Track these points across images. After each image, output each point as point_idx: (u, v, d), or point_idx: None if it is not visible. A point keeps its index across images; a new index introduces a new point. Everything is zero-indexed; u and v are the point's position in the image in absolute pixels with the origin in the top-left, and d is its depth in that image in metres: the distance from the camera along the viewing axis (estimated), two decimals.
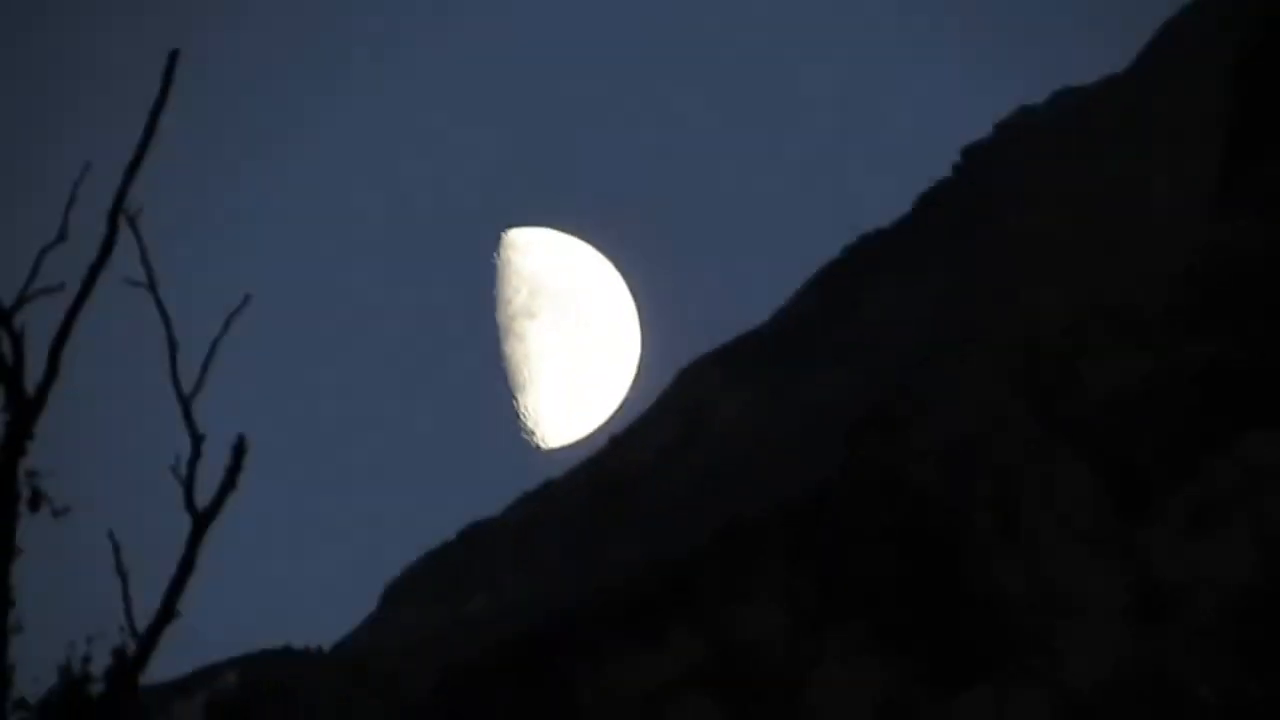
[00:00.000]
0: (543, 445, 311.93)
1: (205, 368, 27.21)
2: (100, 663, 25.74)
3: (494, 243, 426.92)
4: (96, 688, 25.43)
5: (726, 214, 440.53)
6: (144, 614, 26.44)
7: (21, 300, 27.00)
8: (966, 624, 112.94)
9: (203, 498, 27.18)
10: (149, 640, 26.24)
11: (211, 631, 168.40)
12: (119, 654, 25.99)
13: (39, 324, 27.23)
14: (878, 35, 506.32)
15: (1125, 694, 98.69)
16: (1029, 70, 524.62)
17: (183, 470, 27.01)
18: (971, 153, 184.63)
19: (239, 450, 27.32)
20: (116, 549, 26.47)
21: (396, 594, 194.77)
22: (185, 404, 27.27)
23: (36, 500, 26.28)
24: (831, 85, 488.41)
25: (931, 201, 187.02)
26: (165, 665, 26.94)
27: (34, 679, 25.57)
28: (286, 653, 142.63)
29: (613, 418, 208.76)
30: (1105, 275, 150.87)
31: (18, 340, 26.79)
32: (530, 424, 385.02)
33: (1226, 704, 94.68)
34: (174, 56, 29.67)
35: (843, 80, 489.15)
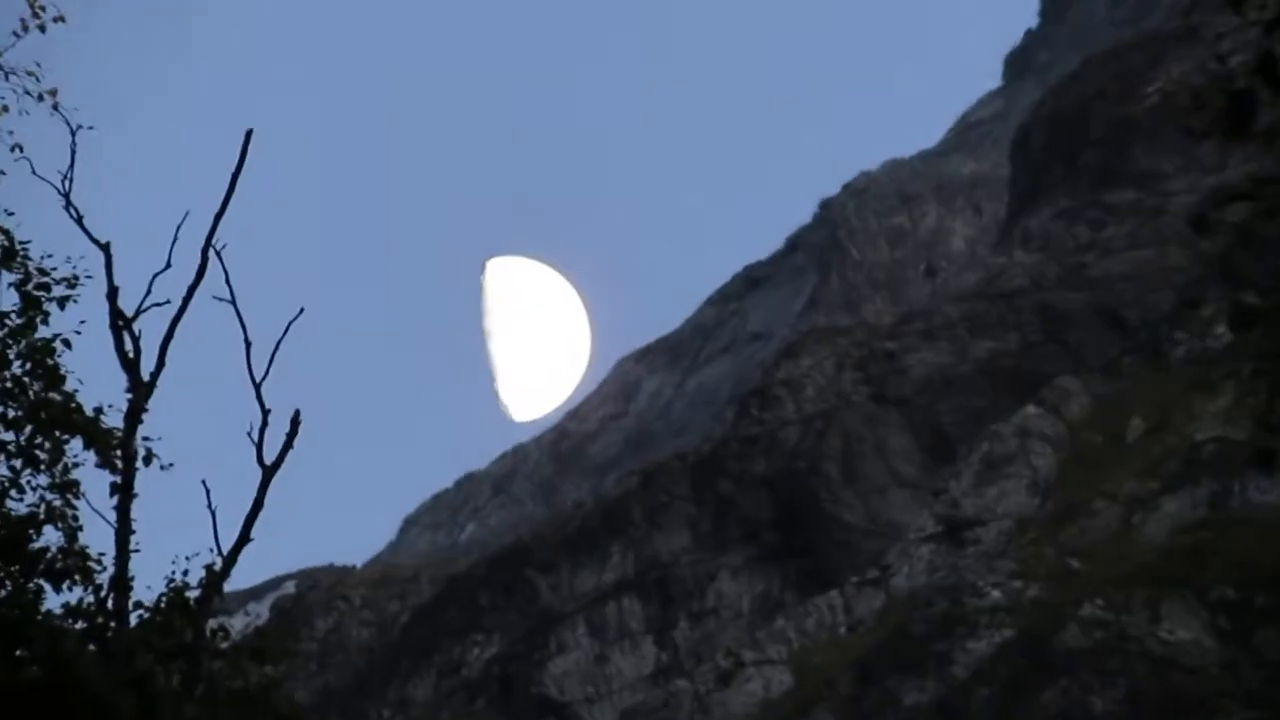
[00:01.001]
0: (516, 418, 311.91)
1: (271, 360, 27.54)
2: (195, 575, 25.91)
3: (479, 269, 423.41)
4: (192, 593, 25.57)
5: (652, 249, 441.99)
6: (226, 539, 26.70)
7: (139, 312, 27.37)
8: (821, 547, 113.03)
9: (269, 455, 27.51)
10: (230, 559, 26.53)
11: (275, 551, 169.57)
12: (209, 569, 26.22)
13: (151, 329, 27.48)
14: (758, 120, 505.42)
15: (935, 596, 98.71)
16: (868, 143, 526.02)
17: (254, 435, 27.40)
18: (826, 204, 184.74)
19: (295, 422, 27.72)
20: (207, 492, 26.69)
21: (410, 524, 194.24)
22: (257, 387, 27.63)
23: (149, 457, 26.51)
24: (724, 156, 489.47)
25: (797, 240, 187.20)
26: (241, 576, 27.18)
27: (147, 587, 25.70)
28: (330, 567, 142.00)
29: (568, 398, 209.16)
30: (920, 292, 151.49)
31: (136, 340, 27.18)
32: (507, 403, 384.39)
33: (1010, 604, 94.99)
34: (249, 135, 29.96)
35: (731, 150, 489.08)
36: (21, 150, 30.56)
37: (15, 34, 30.44)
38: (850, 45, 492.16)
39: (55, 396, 25.90)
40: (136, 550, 25.89)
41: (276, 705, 26.09)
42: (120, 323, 27.09)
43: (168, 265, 27.68)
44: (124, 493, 26.05)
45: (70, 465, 25.71)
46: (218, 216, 28.21)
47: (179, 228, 27.95)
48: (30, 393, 25.90)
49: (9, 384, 25.93)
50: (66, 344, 26.47)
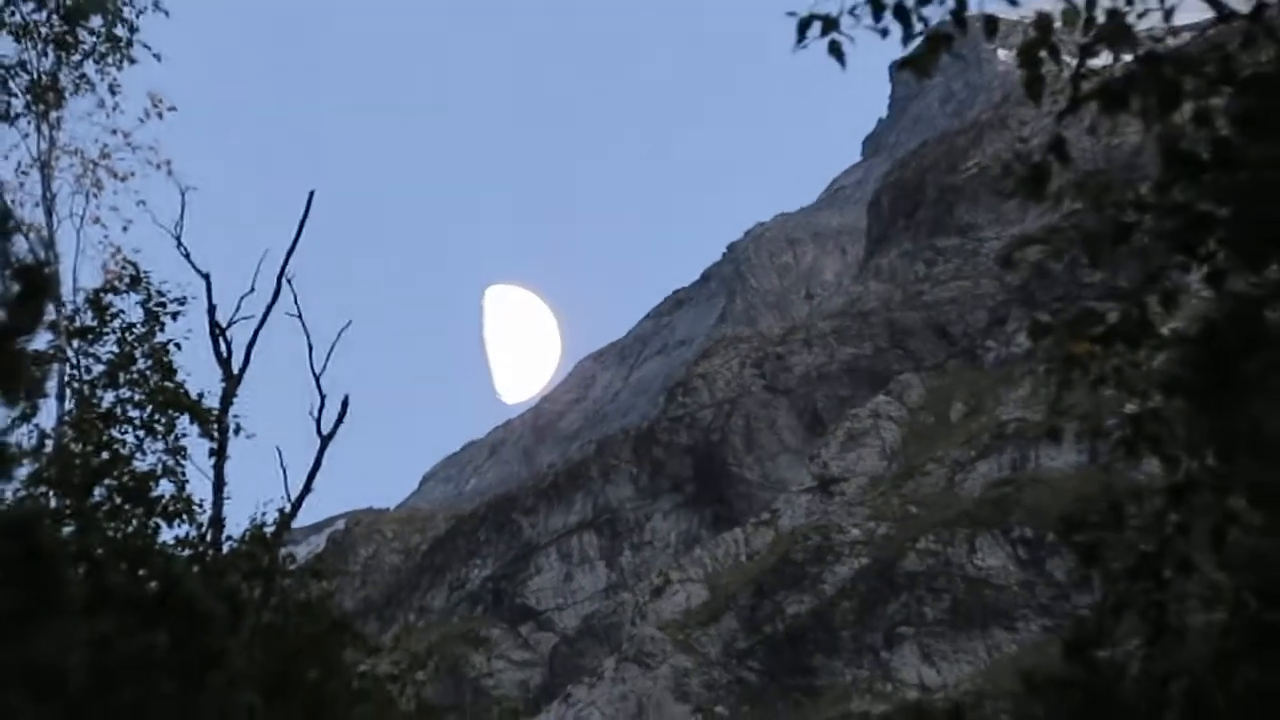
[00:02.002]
0: (506, 402, 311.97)
1: (327, 358, 27.51)
2: (270, 516, 25.86)
3: (480, 293, 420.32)
4: (269, 530, 25.49)
5: (606, 279, 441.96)
6: (294, 489, 26.69)
7: (230, 323, 27.21)
8: (728, 497, 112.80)
9: (325, 428, 27.47)
10: (296, 504, 26.49)
11: (329, 498, 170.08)
12: (281, 511, 26.11)
13: (239, 336, 27.45)
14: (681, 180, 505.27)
15: (811, 533, 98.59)
16: (762, 201, 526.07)
17: (314, 413, 27.31)
18: (732, 246, 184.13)
19: (344, 404, 27.69)
20: (279, 455, 26.66)
21: (427, 478, 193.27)
22: (317, 378, 27.58)
23: (237, 429, 26.39)
24: (657, 208, 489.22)
25: (710, 272, 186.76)
26: (304, 516, 27.13)
27: (236, 524, 25.67)
28: (369, 510, 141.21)
29: (544, 388, 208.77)
30: (801, 312, 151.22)
31: (228, 343, 27.05)
32: (500, 390, 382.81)
33: (866, 539, 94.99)
34: (311, 196, 29.89)
35: (661, 204, 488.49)
36: (144, 205, 30.63)
37: (140, 119, 30.32)
38: (751, 128, 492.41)
39: (169, 384, 25.80)
40: (228, 498, 25.81)
41: (330, 611, 25.98)
42: (216, 331, 27.07)
43: (251, 289, 27.70)
44: (219, 455, 25.98)
45: (179, 435, 25.61)
46: (288, 254, 28.17)
47: (260, 263, 28.03)
48: (150, 382, 25.81)
49: (135, 375, 25.87)
50: (177, 346, 26.42)
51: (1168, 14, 7.34)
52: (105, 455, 24.83)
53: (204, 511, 25.31)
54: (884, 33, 7.07)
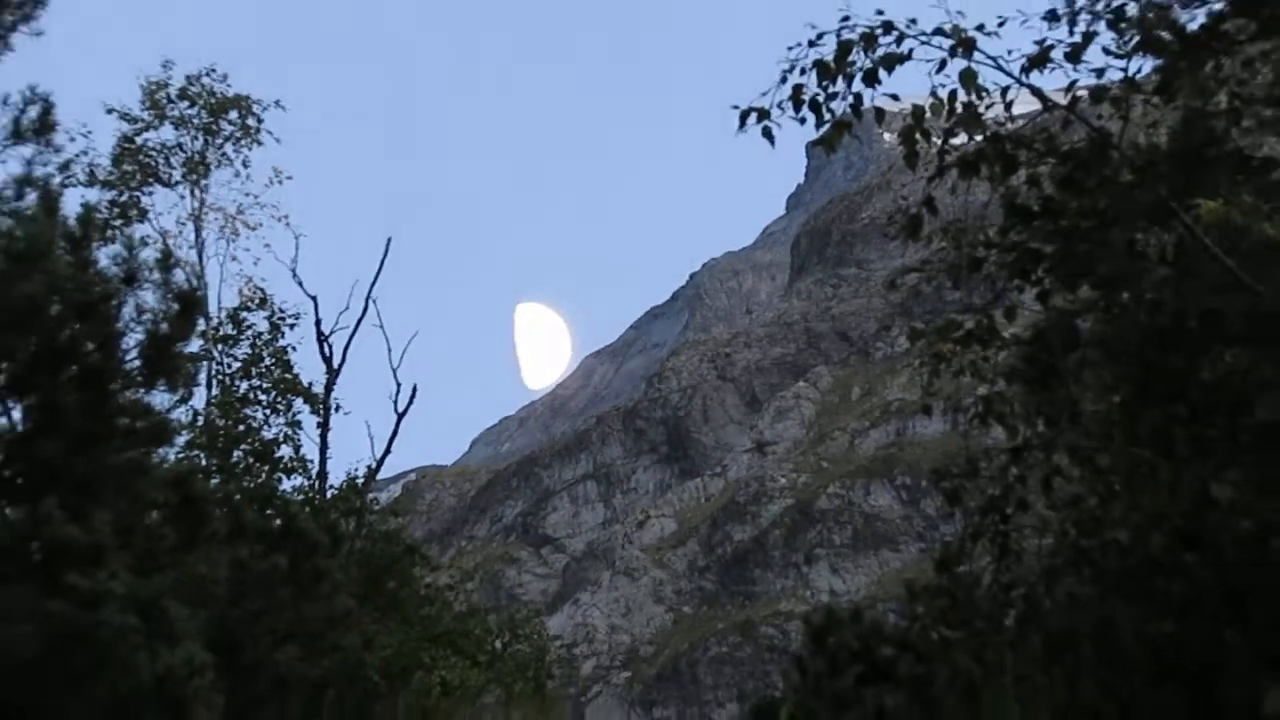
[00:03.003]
0: (531, 388, 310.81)
1: (401, 357, 27.53)
2: (361, 471, 25.81)
3: (511, 309, 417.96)
4: (359, 481, 25.41)
5: (603, 297, 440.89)
6: (378, 451, 26.58)
7: (331, 331, 27.17)
8: (691, 456, 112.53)
9: (400, 407, 27.35)
10: (379, 462, 26.40)
11: (403, 457, 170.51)
12: (369, 468, 26.03)
13: (337, 341, 27.34)
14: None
15: (751, 482, 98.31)
16: (713, 242, 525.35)
17: (392, 397, 27.16)
18: (693, 275, 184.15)
19: (414, 390, 27.53)
20: (368, 427, 26.68)
21: (474, 443, 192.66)
22: (394, 371, 27.44)
23: (337, 408, 26.29)
24: (639, 248, 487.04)
25: (678, 294, 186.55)
26: (385, 471, 27.02)
27: (336, 477, 25.61)
28: (432, 466, 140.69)
29: (558, 378, 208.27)
30: (743, 323, 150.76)
31: (330, 346, 26.87)
32: (526, 379, 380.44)
33: (790, 486, 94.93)
34: (389, 242, 29.81)
35: (643, 245, 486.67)
36: (269, 247, 30.63)
37: (266, 185, 30.25)
38: (708, 188, 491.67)
39: (287, 376, 25.73)
40: (330, 458, 25.76)
41: (403, 539, 25.94)
42: (321, 337, 26.95)
43: (346, 307, 27.61)
44: (324, 427, 25.88)
45: (295, 413, 25.56)
46: (372, 283, 28.05)
47: (352, 289, 27.91)
48: (273, 374, 25.75)
49: (262, 369, 25.81)
50: (293, 348, 26.38)
51: (1007, 105, 7.32)
52: (241, 427, 24.81)
53: (313, 468, 25.31)
54: (802, 120, 7.06)
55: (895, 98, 7.30)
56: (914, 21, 6.94)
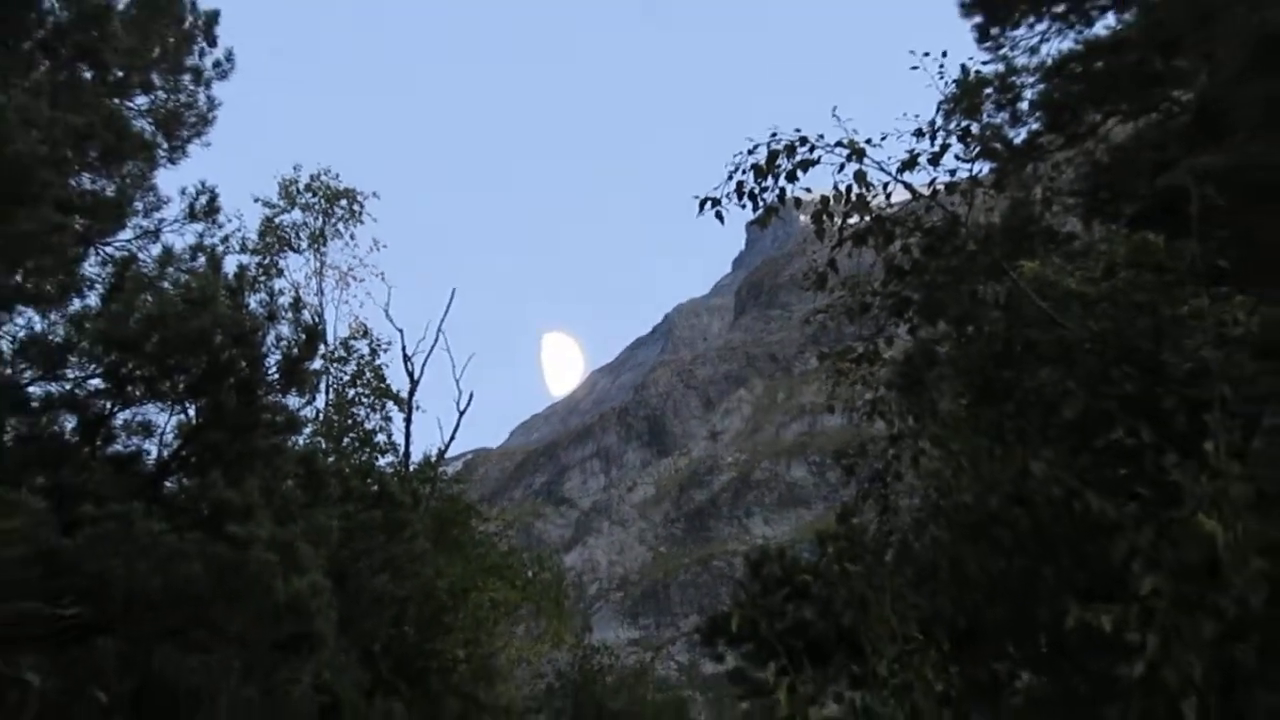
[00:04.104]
0: (553, 394, 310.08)
1: (462, 372, 27.35)
2: (434, 452, 25.60)
3: (538, 336, 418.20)
4: (433, 459, 25.22)
5: (605, 327, 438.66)
6: (446, 437, 26.40)
7: (413, 354, 26.84)
8: (665, 440, 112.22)
9: (460, 405, 27.14)
10: (446, 446, 26.14)
11: (462, 444, 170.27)
12: (439, 450, 25.82)
13: (418, 360, 27.17)
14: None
15: (707, 458, 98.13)
16: (680, 290, 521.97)
17: (456, 402, 27.01)
18: (667, 316, 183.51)
19: (470, 396, 27.65)
20: (438, 421, 26.49)
21: (512, 433, 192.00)
22: (457, 382, 27.38)
23: (417, 408, 26.04)
24: (626, 293, 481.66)
25: (655, 329, 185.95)
26: (450, 452, 26.82)
27: (416, 456, 25.47)
28: (482, 448, 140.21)
29: (573, 389, 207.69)
30: (701, 348, 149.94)
31: (413, 364, 26.66)
32: (549, 386, 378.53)
33: (735, 462, 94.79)
34: (453, 293, 29.82)
35: (628, 291, 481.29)
36: (370, 296, 30.49)
37: (369, 249, 30.15)
38: (681, 250, 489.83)
39: (382, 385, 25.60)
40: (412, 443, 25.65)
41: (463, 500, 25.85)
42: (406, 358, 26.85)
43: (423, 337, 27.58)
44: (407, 422, 25.73)
45: (388, 412, 25.45)
46: (442, 319, 28.21)
47: (426, 326, 27.97)
48: (372, 384, 25.63)
49: (364, 381, 25.66)
50: (386, 366, 26.26)
51: (887, 196, 7.35)
52: (349, 421, 24.67)
53: (400, 450, 25.18)
54: (743, 206, 7.08)
55: (809, 190, 7.33)
56: (821, 136, 7.00)
